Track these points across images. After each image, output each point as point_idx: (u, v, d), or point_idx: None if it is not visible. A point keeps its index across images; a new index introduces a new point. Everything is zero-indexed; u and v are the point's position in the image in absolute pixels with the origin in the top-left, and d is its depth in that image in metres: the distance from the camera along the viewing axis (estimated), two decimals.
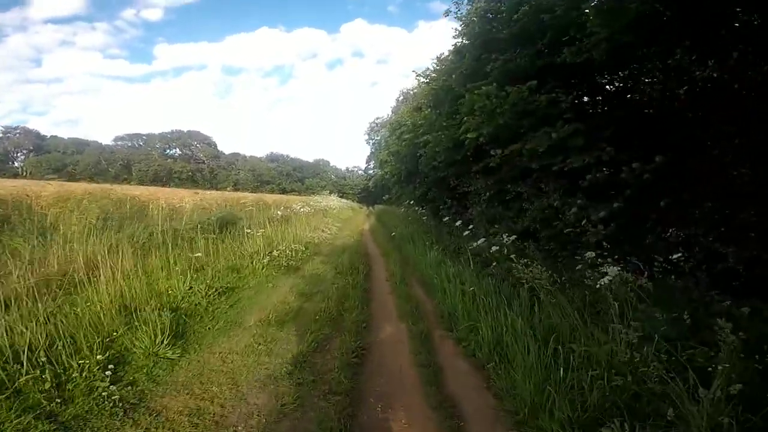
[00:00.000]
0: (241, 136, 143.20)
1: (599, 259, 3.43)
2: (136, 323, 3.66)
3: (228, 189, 64.36)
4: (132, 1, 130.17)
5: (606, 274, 3.02)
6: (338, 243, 11.89)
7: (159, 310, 3.95)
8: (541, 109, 5.68)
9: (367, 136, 40.16)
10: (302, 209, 14.84)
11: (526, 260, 4.09)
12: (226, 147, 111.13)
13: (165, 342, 3.54)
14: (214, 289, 5.10)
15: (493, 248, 5.53)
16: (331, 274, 7.05)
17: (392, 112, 25.29)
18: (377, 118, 38.58)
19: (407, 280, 7.18)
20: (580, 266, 3.74)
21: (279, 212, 11.66)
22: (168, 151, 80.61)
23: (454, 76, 9.39)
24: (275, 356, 3.62)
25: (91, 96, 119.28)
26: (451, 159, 10.22)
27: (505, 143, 6.52)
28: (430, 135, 9.96)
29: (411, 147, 14.44)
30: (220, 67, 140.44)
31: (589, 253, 3.60)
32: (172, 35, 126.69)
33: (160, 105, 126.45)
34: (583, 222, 4.30)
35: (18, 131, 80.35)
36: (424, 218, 11.65)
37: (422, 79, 13.62)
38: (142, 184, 57.10)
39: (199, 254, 5.31)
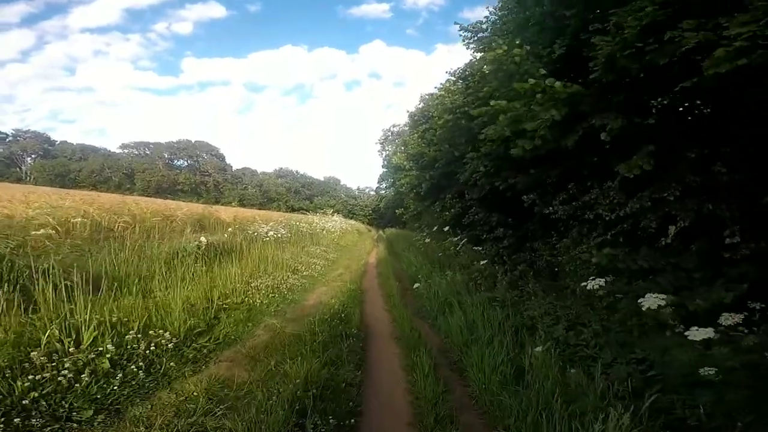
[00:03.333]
0: (257, 152, 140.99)
1: None
2: None
3: (233, 204, 60.18)
4: (165, 14, 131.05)
5: None
6: (311, 301, 6.37)
7: None
8: None
9: (380, 146, 34.83)
10: (270, 233, 9.44)
11: None
12: (239, 162, 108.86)
13: None
14: None
15: None
16: None
17: (410, 118, 20.08)
18: (393, 126, 33.36)
19: None
20: None
21: (203, 240, 6.27)
22: (176, 161, 77.29)
23: None
24: None
25: (120, 106, 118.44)
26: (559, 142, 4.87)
27: None
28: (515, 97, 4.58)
29: (448, 139, 9.00)
30: (243, 84, 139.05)
31: None
32: (199, 50, 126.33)
33: (185, 118, 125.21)
34: None
35: (28, 135, 78.56)
36: (481, 263, 6.08)
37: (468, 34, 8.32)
38: (145, 195, 53.37)
39: None
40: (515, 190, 7.65)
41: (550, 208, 6.30)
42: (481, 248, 6.31)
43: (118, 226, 6.78)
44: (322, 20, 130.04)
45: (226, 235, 7.11)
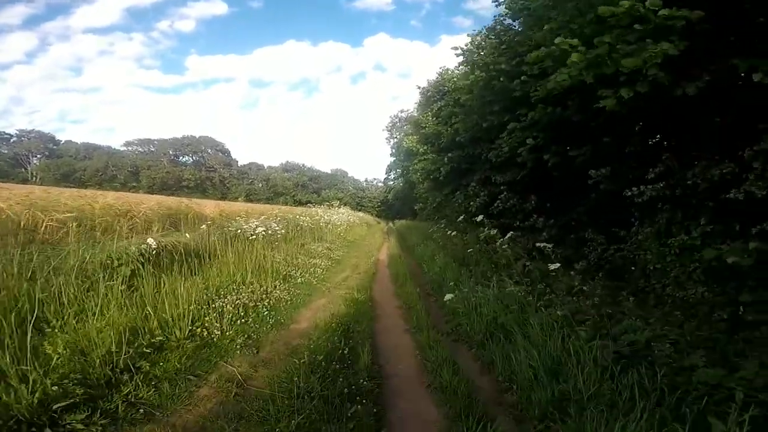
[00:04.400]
0: (263, 147, 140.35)
1: None
2: None
3: (240, 199, 58.97)
4: (167, 12, 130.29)
5: None
6: (303, 323, 4.56)
7: None
8: None
9: (387, 133, 32.77)
10: (259, 229, 7.67)
11: None
12: (245, 157, 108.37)
13: None
14: None
15: None
16: None
17: (421, 95, 18.01)
18: (401, 111, 31.21)
19: None
20: None
21: (151, 242, 4.50)
22: (181, 158, 76.11)
23: None
24: None
25: (126, 105, 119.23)
26: None
27: None
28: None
29: (477, 108, 7.10)
30: (248, 80, 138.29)
31: None
32: (203, 47, 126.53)
33: (190, 115, 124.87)
34: None
35: (32, 135, 78.09)
36: (551, 267, 4.21)
37: None
38: (150, 192, 52.24)
39: None
40: (572, 165, 5.80)
41: (633, 189, 4.44)
42: (550, 245, 4.43)
43: (45, 226, 5.06)
44: (325, 14, 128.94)
45: (188, 235, 5.35)
